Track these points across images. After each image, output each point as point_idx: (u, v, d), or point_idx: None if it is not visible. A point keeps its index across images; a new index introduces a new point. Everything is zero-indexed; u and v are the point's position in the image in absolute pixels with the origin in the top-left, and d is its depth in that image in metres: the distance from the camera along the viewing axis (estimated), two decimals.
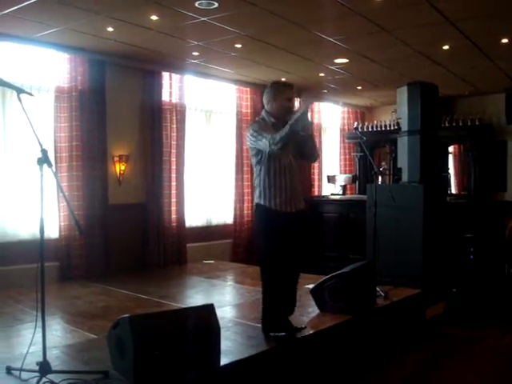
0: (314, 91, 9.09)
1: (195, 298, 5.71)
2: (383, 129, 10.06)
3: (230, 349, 3.68)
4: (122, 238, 6.95)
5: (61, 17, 5.18)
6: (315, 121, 9.78)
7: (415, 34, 5.75)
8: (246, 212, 8.67)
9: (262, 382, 3.65)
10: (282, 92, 3.97)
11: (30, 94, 3.21)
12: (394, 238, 6.28)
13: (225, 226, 8.54)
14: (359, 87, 9.01)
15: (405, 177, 6.70)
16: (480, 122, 9.06)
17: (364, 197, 7.46)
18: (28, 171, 5.92)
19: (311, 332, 4.13)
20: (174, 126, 7.54)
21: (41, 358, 3.02)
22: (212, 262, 7.84)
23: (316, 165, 9.88)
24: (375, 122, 10.43)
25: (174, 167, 7.52)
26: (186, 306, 4.72)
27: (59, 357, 3.49)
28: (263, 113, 4.05)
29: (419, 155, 6.51)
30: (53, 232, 6.29)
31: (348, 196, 9.85)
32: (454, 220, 7.41)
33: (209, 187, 8.27)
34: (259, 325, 4.06)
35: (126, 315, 3.09)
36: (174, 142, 7.52)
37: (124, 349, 3.02)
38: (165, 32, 5.74)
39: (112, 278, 6.39)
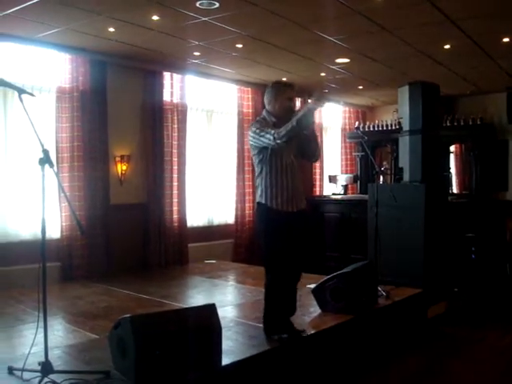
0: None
1: (197, 297, 5.71)
2: (384, 128, 10.06)
3: (232, 349, 3.68)
4: (124, 238, 6.96)
5: (62, 17, 5.18)
6: (316, 120, 9.78)
7: (416, 34, 5.74)
8: (247, 212, 8.67)
9: (263, 382, 3.65)
10: (283, 92, 3.96)
11: (32, 95, 3.21)
12: (395, 238, 6.28)
13: (226, 226, 8.54)
14: (360, 87, 9.01)
15: (406, 176, 6.69)
16: (481, 122, 9.06)
17: (365, 196, 7.46)
18: (29, 171, 5.92)
19: (313, 332, 4.14)
20: (176, 125, 7.54)
21: (42, 358, 3.03)
22: (213, 261, 7.85)
23: (317, 164, 9.88)
24: (376, 121, 10.43)
25: (175, 167, 7.52)
26: (187, 306, 4.73)
27: (61, 357, 3.50)
28: (264, 112, 4.05)
29: (420, 155, 6.50)
30: (54, 232, 6.30)
31: (349, 196, 9.84)
32: (455, 219, 7.41)
33: (210, 187, 8.27)
34: (261, 325, 4.06)
35: (128, 315, 3.09)
36: (175, 142, 7.52)
37: (125, 349, 3.02)
38: (166, 32, 5.74)
39: (113, 278, 6.40)
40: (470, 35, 5.77)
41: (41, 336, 3.09)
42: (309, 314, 4.64)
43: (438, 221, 6.50)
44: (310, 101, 3.86)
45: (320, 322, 4.41)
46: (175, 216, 7.54)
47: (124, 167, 7.04)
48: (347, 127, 10.88)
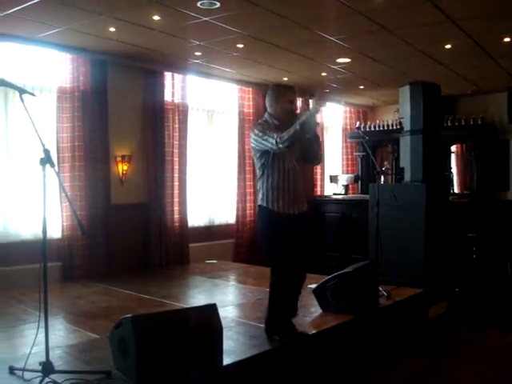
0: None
1: (197, 297, 5.71)
2: (385, 128, 10.06)
3: (233, 349, 3.68)
4: (125, 238, 6.96)
5: (63, 17, 5.19)
6: (318, 120, 9.77)
7: (417, 33, 5.74)
8: (248, 212, 8.67)
9: (264, 381, 3.65)
10: (284, 95, 3.95)
11: (33, 95, 3.21)
12: (396, 238, 6.28)
13: (227, 226, 8.54)
14: (361, 87, 9.01)
15: (407, 176, 6.69)
16: (482, 122, 9.06)
17: (366, 196, 7.46)
18: (30, 171, 5.92)
19: (314, 332, 4.14)
20: (177, 125, 7.54)
21: (43, 358, 3.03)
22: (214, 261, 7.85)
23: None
24: (377, 121, 10.43)
25: (176, 167, 7.52)
26: (188, 306, 4.73)
27: (62, 357, 3.50)
28: (266, 115, 4.03)
29: (421, 155, 6.50)
30: (55, 232, 6.30)
31: (350, 196, 9.84)
32: (456, 219, 7.40)
33: (211, 187, 8.27)
34: (262, 325, 4.06)
35: (129, 315, 3.09)
36: (176, 142, 7.52)
37: (126, 349, 3.02)
38: (167, 32, 5.74)
39: (114, 277, 6.40)
40: (470, 35, 5.76)
41: (42, 336, 3.09)
42: (310, 313, 4.64)
43: (439, 221, 6.49)
44: (311, 101, 3.85)
45: (321, 322, 4.41)
46: (176, 216, 7.54)
47: (125, 167, 7.05)
48: (348, 127, 10.88)
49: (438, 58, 6.81)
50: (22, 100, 3.11)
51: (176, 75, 7.57)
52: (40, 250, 3.06)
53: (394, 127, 9.78)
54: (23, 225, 6.06)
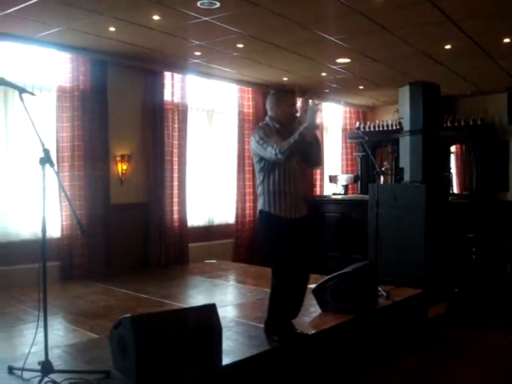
0: (316, 90, 9.11)
1: (197, 297, 5.71)
2: (385, 128, 10.06)
3: (232, 349, 3.68)
4: (124, 238, 6.96)
5: (63, 17, 5.19)
6: (318, 120, 9.77)
7: (417, 34, 5.74)
8: (247, 212, 8.67)
9: (263, 382, 3.65)
10: (285, 98, 3.95)
11: (32, 94, 3.21)
12: (395, 238, 6.28)
13: (227, 226, 8.54)
14: (361, 87, 9.01)
15: (407, 176, 6.69)
16: (482, 122, 9.05)
17: (366, 197, 7.46)
18: (30, 171, 5.92)
19: (313, 332, 4.14)
20: (176, 125, 7.54)
21: (43, 358, 3.03)
22: (214, 261, 7.85)
23: None
24: (377, 121, 10.43)
25: (175, 167, 7.52)
26: (187, 306, 4.73)
27: (61, 356, 3.50)
28: (267, 118, 4.02)
29: (421, 155, 6.50)
30: (55, 231, 6.29)
31: (350, 196, 9.84)
32: (455, 220, 7.40)
33: (211, 187, 8.27)
34: (261, 325, 4.07)
35: (128, 315, 3.09)
36: (175, 142, 7.52)
37: (126, 348, 3.02)
38: (167, 32, 5.74)
39: (114, 277, 6.40)
40: (470, 35, 5.76)
41: (41, 335, 3.09)
42: (309, 313, 4.64)
43: (438, 221, 6.50)
44: (310, 101, 3.84)
45: (320, 322, 4.41)
46: (175, 216, 7.54)
47: (124, 167, 7.04)
48: (348, 127, 10.88)
49: (437, 59, 6.81)
50: (22, 99, 3.11)
51: (176, 75, 7.56)
52: (39, 249, 3.06)
53: (394, 127, 9.78)
54: (23, 224, 6.05)
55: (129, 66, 7.05)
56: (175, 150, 7.51)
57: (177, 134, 7.54)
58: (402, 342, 5.01)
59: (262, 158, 3.85)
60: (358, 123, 10.62)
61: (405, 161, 6.78)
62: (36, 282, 3.01)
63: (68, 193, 6.19)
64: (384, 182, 8.40)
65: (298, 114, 3.97)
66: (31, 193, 5.97)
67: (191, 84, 7.91)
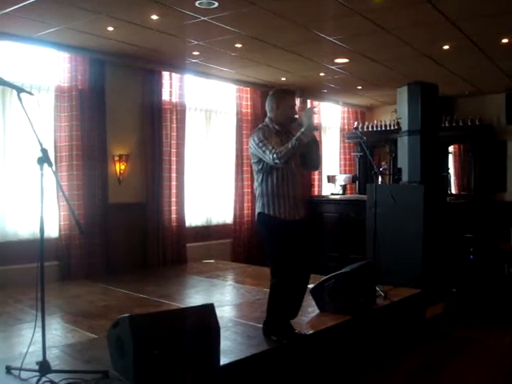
0: (316, 91, 9.12)
1: (195, 297, 5.70)
2: (383, 129, 10.08)
3: (230, 348, 3.68)
4: (122, 238, 6.95)
5: (61, 16, 5.18)
6: (315, 121, 9.77)
7: (415, 34, 5.74)
8: (245, 212, 8.67)
9: (262, 382, 3.65)
10: (284, 100, 3.94)
11: (30, 94, 3.21)
12: (394, 238, 6.28)
13: (225, 226, 8.54)
14: (359, 87, 9.01)
15: (405, 177, 6.70)
16: (480, 122, 9.07)
17: (364, 197, 7.46)
18: (28, 170, 5.92)
19: (311, 332, 4.14)
20: (174, 125, 7.54)
21: (40, 358, 3.03)
22: (212, 261, 7.85)
23: None
24: (375, 121, 10.44)
25: (173, 167, 7.52)
26: (185, 306, 4.73)
27: (59, 356, 3.50)
28: (267, 120, 4.01)
29: (419, 155, 6.51)
30: (53, 231, 6.29)
31: (348, 196, 9.85)
32: (453, 220, 7.42)
33: (209, 187, 8.27)
34: (259, 325, 4.07)
35: (126, 315, 3.09)
36: (174, 142, 7.52)
37: (124, 348, 3.02)
38: (165, 31, 5.73)
39: (112, 277, 6.40)
40: (468, 36, 5.77)
41: (39, 335, 3.08)
42: (307, 314, 4.64)
43: (436, 221, 6.50)
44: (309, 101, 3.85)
45: (318, 322, 4.41)
46: (174, 215, 7.54)
47: (122, 166, 7.04)
48: (346, 127, 10.89)
49: (436, 59, 6.82)
50: (20, 99, 3.11)
51: (174, 75, 7.56)
52: (38, 249, 3.06)
53: (392, 127, 9.80)
54: (21, 224, 6.04)
55: (127, 66, 7.05)
56: (173, 150, 7.51)
57: (175, 133, 7.54)
58: (400, 343, 5.02)
59: (260, 160, 3.84)
60: (356, 123, 10.62)
61: (403, 161, 6.79)
62: (34, 282, 3.00)
63: (66, 192, 6.18)
64: (382, 183, 8.41)
65: (297, 116, 3.98)
66: (29, 192, 5.97)
67: (189, 84, 7.90)
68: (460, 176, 9.91)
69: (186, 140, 7.71)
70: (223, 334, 3.50)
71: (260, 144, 3.78)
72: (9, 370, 3.16)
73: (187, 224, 7.80)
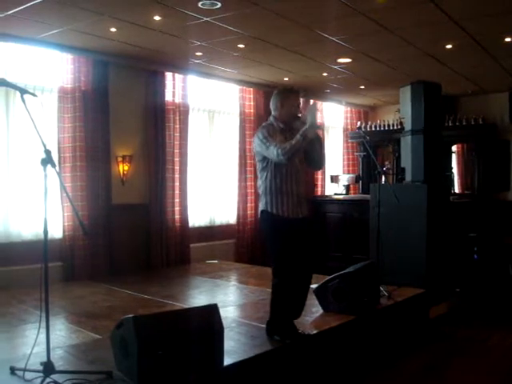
0: (319, 91, 9.10)
1: (199, 298, 5.70)
2: (386, 128, 10.07)
3: (234, 349, 3.68)
4: (126, 238, 6.96)
5: (64, 17, 5.19)
6: (318, 120, 9.76)
7: (418, 33, 5.73)
8: (249, 212, 8.67)
9: (265, 382, 3.64)
10: (289, 99, 3.95)
11: (34, 95, 3.21)
12: (397, 238, 6.28)
13: (228, 226, 8.54)
14: (362, 87, 9.00)
15: (408, 176, 6.69)
16: (483, 122, 9.06)
17: (367, 196, 7.46)
18: (32, 172, 5.93)
19: (315, 332, 4.13)
20: (178, 126, 7.55)
21: (45, 358, 3.03)
22: (215, 262, 7.85)
23: None
24: (378, 121, 10.43)
25: (177, 167, 7.52)
26: (189, 306, 4.73)
27: (63, 357, 3.50)
28: (271, 118, 4.03)
29: (423, 155, 6.50)
30: (56, 232, 6.31)
31: (351, 196, 9.84)
32: (457, 219, 7.40)
33: (212, 187, 8.27)
34: (263, 325, 4.07)
35: (130, 315, 3.09)
36: (177, 142, 7.52)
37: (128, 349, 3.02)
38: (168, 32, 5.74)
39: (115, 278, 6.41)
40: (471, 35, 5.76)
41: (43, 336, 3.09)
42: (311, 314, 4.64)
43: (440, 221, 6.49)
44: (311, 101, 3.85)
45: (322, 323, 4.41)
46: (177, 216, 7.54)
47: (126, 167, 7.05)
48: (349, 127, 10.88)
49: (439, 58, 6.81)
50: (24, 100, 3.11)
51: (177, 75, 7.57)
52: (41, 250, 3.06)
53: (395, 127, 9.79)
54: (24, 225, 6.06)
55: (130, 67, 7.06)
56: (176, 151, 7.51)
57: (178, 134, 7.54)
58: (404, 342, 5.01)
59: (264, 157, 3.85)
60: (359, 123, 10.61)
61: (406, 160, 6.77)
62: (38, 283, 3.01)
63: (70, 193, 6.20)
64: (385, 182, 8.38)
65: (301, 115, 3.98)
66: (33, 194, 5.99)
67: (192, 84, 7.91)
68: (463, 175, 9.90)
69: (189, 140, 7.71)
70: (227, 334, 3.50)
71: (264, 140, 3.79)
72: (13, 370, 3.16)
73: (190, 224, 7.80)
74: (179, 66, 7.40)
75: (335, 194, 9.87)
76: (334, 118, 10.74)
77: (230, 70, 7.68)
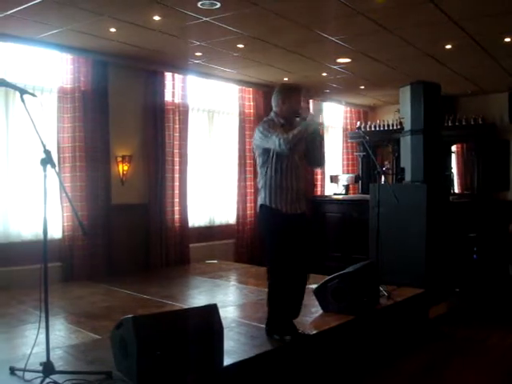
0: (318, 91, 9.11)
1: (198, 298, 5.70)
2: (386, 128, 10.07)
3: (233, 349, 3.68)
4: (125, 239, 6.96)
5: (63, 18, 5.19)
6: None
7: (418, 34, 5.73)
8: (248, 212, 8.67)
9: (265, 382, 3.65)
10: (291, 96, 3.97)
11: (33, 95, 3.21)
12: (397, 238, 6.28)
13: (227, 226, 8.54)
14: (362, 87, 9.00)
15: (408, 176, 6.69)
16: (483, 122, 9.07)
17: (367, 196, 7.46)
18: (31, 172, 5.93)
19: (314, 332, 4.14)
20: (177, 126, 7.54)
21: (44, 359, 3.03)
22: (215, 262, 7.85)
23: None
24: (378, 121, 10.44)
25: (176, 167, 7.52)
26: (189, 307, 4.72)
27: (62, 357, 3.50)
28: (272, 114, 4.05)
29: (422, 155, 6.50)
30: (56, 232, 6.30)
31: (351, 196, 9.84)
32: (457, 219, 7.40)
33: (211, 187, 8.27)
34: (262, 325, 4.07)
35: (130, 315, 3.09)
36: (176, 143, 7.52)
37: (127, 349, 3.02)
38: (167, 32, 5.74)
39: (115, 278, 6.40)
40: (471, 35, 5.76)
41: (42, 336, 3.09)
42: (310, 314, 4.64)
43: (439, 221, 6.49)
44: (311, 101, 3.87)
45: (322, 323, 4.41)
46: (176, 216, 7.54)
47: (125, 167, 7.04)
48: (349, 127, 10.88)
49: (438, 58, 6.81)
50: (23, 100, 3.11)
51: (176, 75, 7.57)
52: (41, 250, 3.06)
53: (395, 127, 9.79)
54: (24, 225, 6.05)
55: (130, 67, 7.06)
56: (176, 151, 7.51)
57: (178, 134, 7.54)
58: (404, 342, 5.01)
59: (264, 152, 3.87)
60: (358, 123, 10.62)
61: (406, 160, 6.78)
62: (37, 283, 3.01)
63: (69, 194, 6.20)
64: (385, 182, 8.39)
65: (302, 112, 4.00)
66: (32, 194, 5.98)
67: (192, 84, 7.91)
68: (463, 175, 9.91)
69: (188, 141, 7.71)
70: (226, 334, 3.49)
71: (265, 132, 3.81)
72: (13, 371, 3.17)
73: (190, 224, 7.80)
74: (179, 66, 7.40)
75: (335, 194, 9.87)
76: (333, 117, 10.74)
77: (230, 70, 7.68)
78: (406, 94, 6.71)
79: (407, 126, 6.74)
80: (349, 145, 10.87)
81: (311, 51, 6.60)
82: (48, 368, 3.00)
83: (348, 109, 10.94)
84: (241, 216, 8.59)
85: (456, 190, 9.77)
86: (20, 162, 6.01)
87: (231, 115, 8.62)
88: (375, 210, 5.63)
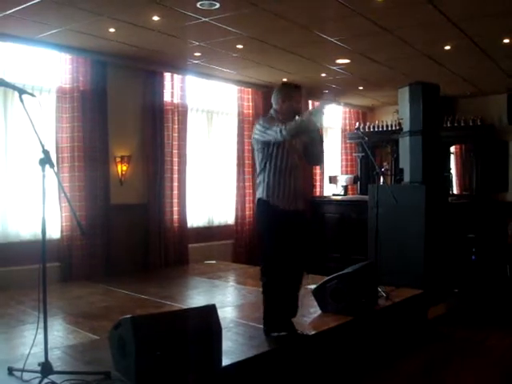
0: (314, 91, 9.10)
1: (197, 298, 5.70)
2: (385, 129, 10.08)
3: (232, 349, 3.68)
4: (124, 239, 6.96)
5: (62, 17, 5.19)
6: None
7: (417, 34, 5.74)
8: (247, 212, 8.67)
9: (264, 382, 3.64)
10: (291, 95, 4.01)
11: (32, 95, 3.21)
12: (395, 239, 6.28)
13: (226, 227, 8.54)
14: (361, 87, 9.01)
15: (406, 177, 6.69)
16: (482, 123, 9.08)
17: (366, 197, 7.46)
18: (30, 172, 5.92)
19: (313, 333, 4.13)
20: (176, 126, 7.54)
21: (42, 359, 3.03)
22: (213, 262, 7.84)
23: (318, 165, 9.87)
24: (377, 122, 10.44)
25: (175, 167, 7.52)
26: (187, 307, 4.72)
27: (61, 357, 3.50)
28: (272, 111, 4.08)
29: (421, 155, 6.50)
30: (54, 232, 6.29)
31: (350, 196, 9.84)
32: (455, 220, 7.40)
33: (210, 187, 8.27)
34: (261, 325, 4.06)
35: (128, 316, 3.09)
36: (175, 143, 7.52)
37: (126, 349, 3.02)
38: (166, 32, 5.74)
39: (113, 278, 6.40)
40: (470, 36, 5.76)
41: (41, 336, 3.08)
42: (309, 314, 4.64)
43: (438, 222, 6.49)
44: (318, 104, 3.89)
45: (320, 323, 4.41)
46: (175, 216, 7.54)
47: (124, 167, 7.04)
48: (347, 128, 10.88)
49: (437, 59, 6.81)
50: (22, 100, 3.11)
51: (175, 76, 7.57)
52: (39, 250, 3.06)
53: (394, 128, 9.80)
54: (22, 225, 6.05)
55: (128, 67, 7.05)
56: (175, 151, 7.51)
57: (177, 134, 7.54)
58: (402, 343, 5.01)
59: (264, 147, 3.87)
60: (357, 124, 10.62)
61: (404, 161, 6.78)
62: (36, 283, 3.01)
63: (68, 194, 6.19)
64: (384, 183, 8.38)
65: (301, 111, 4.02)
66: (31, 194, 5.97)
67: (191, 85, 7.91)
68: (462, 176, 9.91)
69: (187, 141, 7.71)
70: (225, 334, 3.50)
71: (266, 125, 3.84)
72: (11, 371, 3.16)
73: (189, 225, 7.80)
74: (178, 67, 7.40)
75: (333, 195, 9.87)
76: (332, 118, 10.73)
77: (229, 71, 7.68)
78: (404, 94, 6.71)
79: (406, 127, 6.74)
80: (347, 145, 10.87)
81: (310, 52, 6.60)
82: (46, 368, 3.00)
83: (347, 109, 10.94)
84: (239, 216, 8.59)
85: (455, 190, 9.77)
86: (19, 162, 6.01)
87: (230, 115, 8.62)
88: (374, 211, 5.63)
